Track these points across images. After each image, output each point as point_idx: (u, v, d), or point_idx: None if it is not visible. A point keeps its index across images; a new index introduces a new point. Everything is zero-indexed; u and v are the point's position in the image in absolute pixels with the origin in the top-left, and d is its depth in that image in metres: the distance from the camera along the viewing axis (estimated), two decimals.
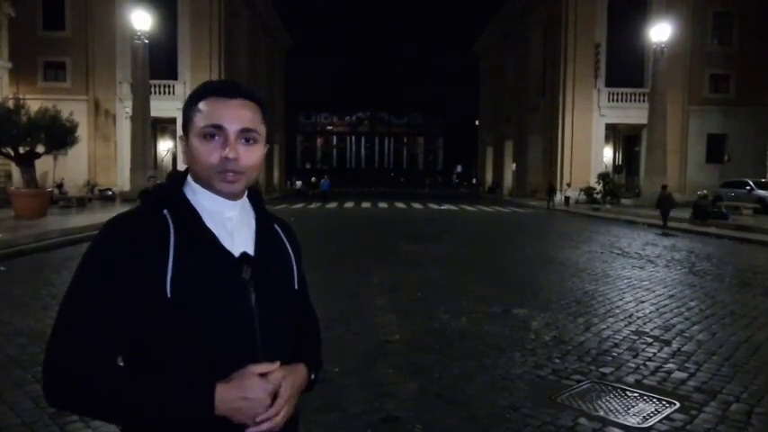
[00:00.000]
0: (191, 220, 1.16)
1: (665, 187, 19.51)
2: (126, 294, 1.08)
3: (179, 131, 1.36)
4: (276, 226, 1.32)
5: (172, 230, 1.12)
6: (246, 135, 1.17)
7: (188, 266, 1.10)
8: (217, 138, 1.16)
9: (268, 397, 1.11)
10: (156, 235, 1.11)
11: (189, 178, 1.22)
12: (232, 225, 1.20)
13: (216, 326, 1.12)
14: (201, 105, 1.17)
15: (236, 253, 1.18)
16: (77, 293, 1.10)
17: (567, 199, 30.37)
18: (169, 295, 1.08)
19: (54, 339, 1.08)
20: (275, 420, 1.12)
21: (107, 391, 1.05)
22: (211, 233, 1.16)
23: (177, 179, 1.23)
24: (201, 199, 1.19)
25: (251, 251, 1.20)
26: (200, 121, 1.16)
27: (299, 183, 34.42)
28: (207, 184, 1.18)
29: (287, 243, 1.31)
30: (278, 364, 1.15)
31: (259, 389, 1.10)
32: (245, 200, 1.25)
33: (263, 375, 1.12)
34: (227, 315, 1.14)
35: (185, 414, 1.06)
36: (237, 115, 1.16)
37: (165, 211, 1.15)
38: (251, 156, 1.18)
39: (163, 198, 1.19)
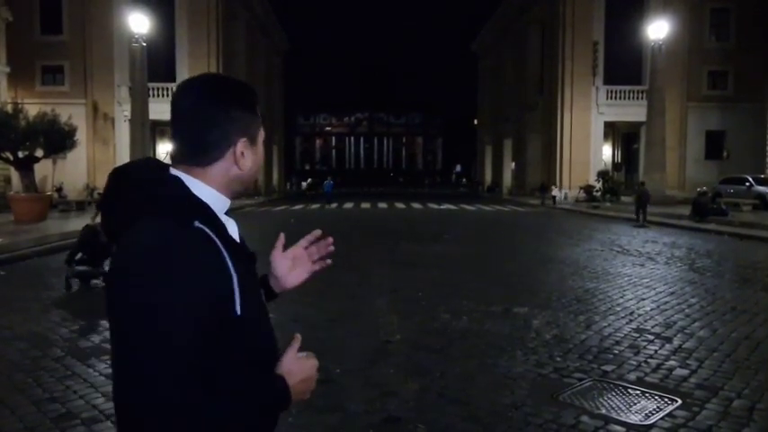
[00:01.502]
0: (220, 227, 1.09)
1: (642, 183, 21.22)
2: (201, 320, 0.99)
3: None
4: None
5: (220, 245, 1.05)
6: None
7: (242, 279, 1.07)
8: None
9: (316, 369, 1.19)
10: (210, 253, 1.03)
11: (187, 177, 1.11)
12: (231, 225, 1.19)
13: (265, 331, 1.16)
14: (257, 112, 1.19)
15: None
16: (162, 324, 0.96)
17: (553, 198, 30.66)
18: (239, 313, 1.05)
19: (147, 380, 0.95)
20: None
21: (215, 417, 1.00)
22: (233, 238, 1.13)
23: (179, 182, 1.11)
24: (209, 200, 1.12)
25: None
26: (260, 128, 1.19)
27: (304, 184, 34.35)
28: (240, 187, 1.18)
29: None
30: (299, 336, 1.20)
31: (309, 367, 1.17)
32: None
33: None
34: (266, 317, 1.19)
35: (276, 411, 1.13)
36: None
37: (197, 223, 1.04)
38: None
39: (189, 208, 1.07)
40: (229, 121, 1.11)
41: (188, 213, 1.05)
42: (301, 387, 1.14)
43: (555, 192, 31.63)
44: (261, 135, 1.19)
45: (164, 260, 0.98)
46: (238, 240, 1.16)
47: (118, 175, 1.14)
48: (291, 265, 1.37)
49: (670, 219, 19.67)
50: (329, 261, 1.42)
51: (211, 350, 1.01)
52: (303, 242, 1.39)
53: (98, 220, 8.48)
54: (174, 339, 0.95)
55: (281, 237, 1.39)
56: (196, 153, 1.11)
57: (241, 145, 1.12)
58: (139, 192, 1.08)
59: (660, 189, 27.58)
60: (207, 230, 1.04)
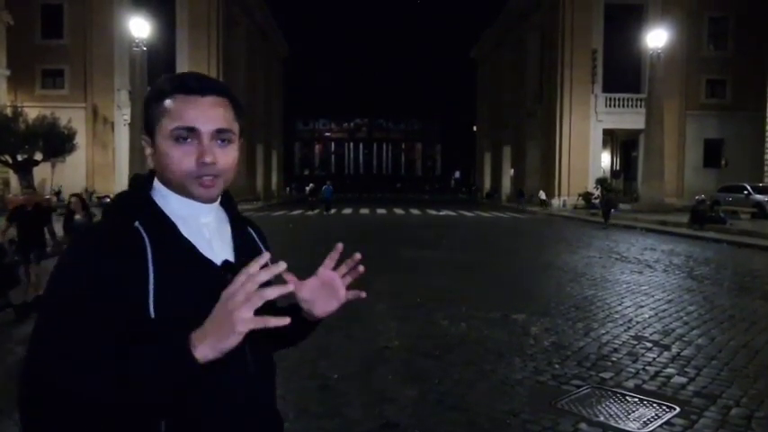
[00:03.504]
0: (166, 230, 1.06)
1: (608, 191, 25.14)
2: (106, 316, 0.98)
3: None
4: (249, 229, 1.25)
5: (148, 245, 1.02)
6: (222, 136, 1.08)
7: (169, 283, 1.01)
8: (189, 140, 1.06)
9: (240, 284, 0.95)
10: (130, 252, 1.01)
11: (156, 182, 1.12)
12: (209, 232, 1.12)
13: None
14: (169, 104, 1.07)
15: (218, 261, 1.10)
16: (55, 320, 0.99)
17: (544, 202, 31.28)
18: (153, 315, 1.00)
19: (37, 369, 0.97)
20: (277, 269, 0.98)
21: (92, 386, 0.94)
22: (189, 243, 1.07)
23: (142, 185, 1.12)
24: (174, 205, 1.09)
25: (231, 258, 1.13)
26: (169, 122, 1.06)
27: (308, 189, 34.11)
28: (181, 190, 1.09)
29: (261, 246, 1.24)
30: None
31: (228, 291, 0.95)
32: (218, 204, 1.17)
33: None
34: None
35: (173, 376, 0.94)
36: (211, 115, 1.07)
37: (137, 224, 1.04)
38: (227, 157, 1.09)
39: (132, 208, 1.07)
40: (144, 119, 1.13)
41: (129, 214, 1.06)
42: (220, 317, 0.95)
43: (542, 195, 32.27)
44: (162, 128, 1.07)
45: (69, 260, 1.03)
46: (221, 250, 1.11)
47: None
48: (319, 291, 1.20)
49: (668, 226, 19.71)
50: (363, 294, 1.26)
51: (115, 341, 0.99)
52: (329, 262, 1.22)
53: (9, 235, 6.96)
54: (57, 326, 0.97)
55: (291, 278, 1.14)
56: None
57: (144, 141, 1.13)
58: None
59: (658, 197, 27.64)
60: (141, 231, 1.03)
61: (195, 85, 1.08)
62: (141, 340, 0.98)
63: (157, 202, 1.09)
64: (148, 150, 1.12)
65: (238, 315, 0.93)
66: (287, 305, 1.22)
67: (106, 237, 1.03)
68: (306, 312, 1.19)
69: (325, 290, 1.21)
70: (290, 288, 1.03)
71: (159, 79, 1.14)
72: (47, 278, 1.06)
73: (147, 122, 1.10)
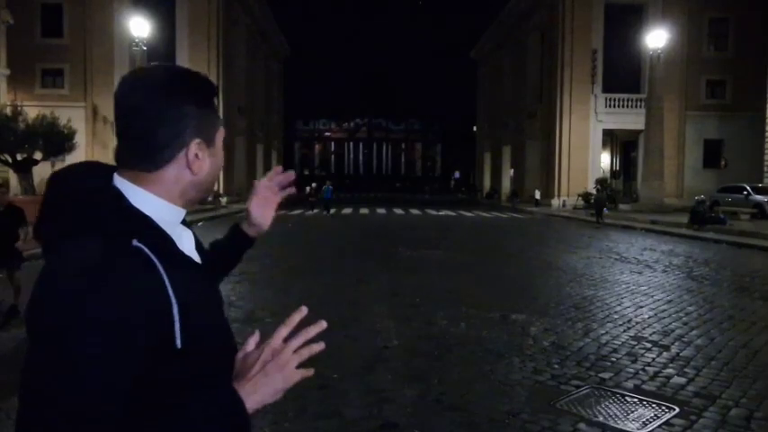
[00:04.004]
0: (166, 245, 0.94)
1: (599, 191, 25.46)
2: (135, 355, 0.85)
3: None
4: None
5: (160, 268, 0.89)
6: None
7: (187, 305, 0.91)
8: None
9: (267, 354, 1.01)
10: (149, 282, 0.87)
11: (134, 187, 0.96)
12: (186, 237, 1.06)
13: (219, 358, 0.99)
14: (215, 108, 1.06)
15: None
16: (87, 368, 0.81)
17: (536, 202, 31.68)
18: (180, 346, 0.88)
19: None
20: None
21: None
22: (187, 254, 1.00)
23: (103, 189, 0.94)
24: (163, 212, 0.98)
25: (201, 260, 1.08)
26: (219, 127, 1.05)
27: (308, 189, 33.90)
28: (197, 195, 1.03)
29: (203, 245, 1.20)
30: (257, 335, 1.08)
31: (252, 359, 1.01)
32: None
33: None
34: (222, 338, 1.01)
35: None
36: None
37: (136, 242, 0.88)
38: None
39: (124, 223, 0.91)
40: (181, 119, 0.96)
41: (124, 231, 0.89)
42: (258, 388, 0.98)
43: (537, 195, 32.52)
44: (220, 134, 1.04)
45: (85, 296, 0.82)
46: (193, 255, 1.04)
47: (55, 182, 0.96)
48: (263, 206, 1.32)
49: (668, 227, 19.72)
50: (293, 189, 1.36)
51: (147, 384, 0.87)
52: (265, 179, 1.34)
53: None
54: (95, 396, 0.81)
55: (269, 174, 1.34)
56: (143, 156, 0.96)
57: (195, 146, 0.97)
58: (73, 204, 0.92)
59: (658, 197, 27.65)
60: (146, 251, 0.88)
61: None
62: (168, 385, 0.90)
63: (144, 210, 0.94)
64: (203, 155, 0.99)
65: (288, 369, 1.00)
66: (232, 226, 1.35)
67: (112, 267, 0.85)
68: (249, 230, 1.32)
69: (266, 204, 1.33)
70: (321, 346, 1.08)
71: (192, 75, 1.02)
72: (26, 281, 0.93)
73: (204, 125, 1.00)
